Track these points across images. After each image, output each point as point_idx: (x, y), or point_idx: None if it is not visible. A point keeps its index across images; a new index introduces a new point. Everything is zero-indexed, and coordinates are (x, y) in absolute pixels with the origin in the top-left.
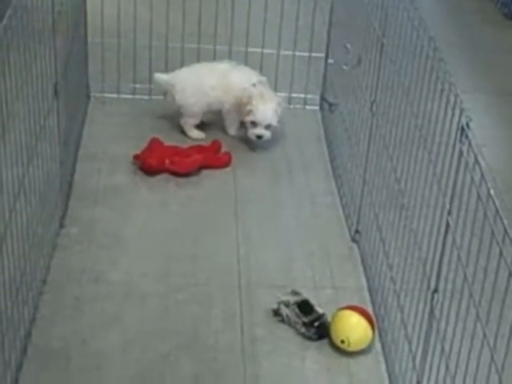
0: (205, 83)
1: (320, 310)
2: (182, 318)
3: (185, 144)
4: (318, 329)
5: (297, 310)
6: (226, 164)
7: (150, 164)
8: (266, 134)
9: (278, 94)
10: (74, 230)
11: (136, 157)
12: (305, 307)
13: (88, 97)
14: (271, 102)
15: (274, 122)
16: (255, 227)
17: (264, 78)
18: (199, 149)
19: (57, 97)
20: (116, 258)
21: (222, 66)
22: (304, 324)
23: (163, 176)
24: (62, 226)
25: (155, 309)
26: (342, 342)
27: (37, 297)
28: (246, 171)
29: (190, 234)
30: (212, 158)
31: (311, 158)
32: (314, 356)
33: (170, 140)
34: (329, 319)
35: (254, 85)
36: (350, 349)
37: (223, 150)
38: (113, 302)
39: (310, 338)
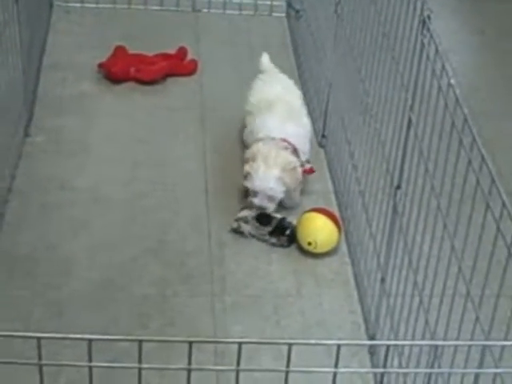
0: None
1: (278, 215)
2: (149, 223)
3: (150, 52)
4: (289, 237)
5: (257, 224)
6: (192, 71)
7: (115, 72)
8: (269, 206)
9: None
10: (39, 139)
11: (101, 65)
12: (263, 218)
13: (51, 6)
14: (276, 167)
15: (278, 195)
16: (221, 135)
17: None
18: (165, 56)
19: (17, 4)
20: (82, 165)
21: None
22: (270, 233)
23: (129, 84)
24: (26, 134)
25: (122, 214)
26: (309, 244)
27: (2, 204)
28: (213, 78)
29: (156, 142)
30: (178, 66)
31: (278, 65)
32: (280, 259)
33: (135, 48)
34: (294, 222)
35: (269, 139)
36: (317, 250)
37: (189, 57)
38: (79, 209)
39: (281, 246)
